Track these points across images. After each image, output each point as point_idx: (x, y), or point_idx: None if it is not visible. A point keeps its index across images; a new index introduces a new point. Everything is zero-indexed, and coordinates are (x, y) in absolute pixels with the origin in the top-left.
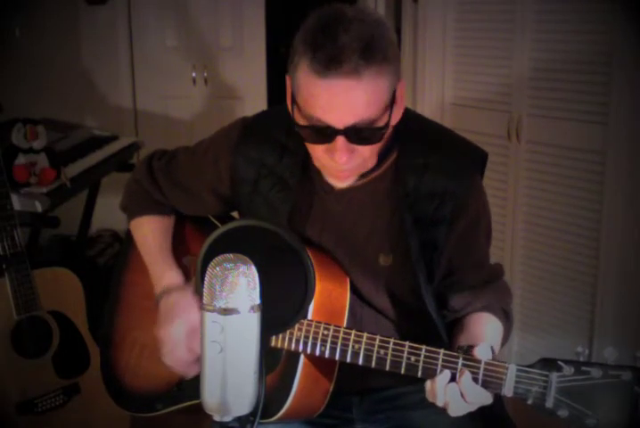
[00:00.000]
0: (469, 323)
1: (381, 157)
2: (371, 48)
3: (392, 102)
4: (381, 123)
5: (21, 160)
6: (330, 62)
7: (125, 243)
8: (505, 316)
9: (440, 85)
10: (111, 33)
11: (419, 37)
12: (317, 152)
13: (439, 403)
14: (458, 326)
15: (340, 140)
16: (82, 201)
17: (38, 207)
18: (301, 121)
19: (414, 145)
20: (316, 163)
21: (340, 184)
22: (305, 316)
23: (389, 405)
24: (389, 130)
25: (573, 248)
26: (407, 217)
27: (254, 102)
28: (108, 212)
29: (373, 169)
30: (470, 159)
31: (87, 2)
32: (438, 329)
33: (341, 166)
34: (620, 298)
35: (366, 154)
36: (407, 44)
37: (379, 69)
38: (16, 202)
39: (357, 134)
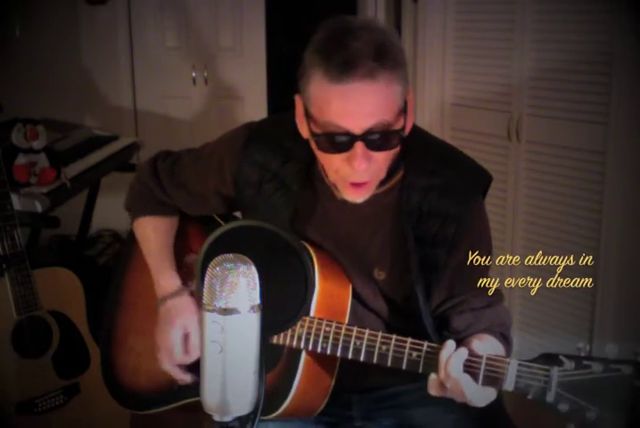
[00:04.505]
0: (470, 341)
1: (388, 174)
2: (383, 52)
3: (405, 108)
4: (397, 126)
5: (21, 160)
6: (344, 67)
7: (127, 243)
8: (505, 342)
9: (440, 85)
10: (111, 33)
11: (419, 37)
12: (335, 163)
13: (442, 375)
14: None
15: (359, 146)
16: (82, 201)
17: (38, 207)
18: (317, 130)
19: (421, 165)
20: (333, 176)
21: (356, 198)
22: (306, 314)
23: (390, 403)
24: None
25: (573, 248)
26: (410, 234)
27: (254, 102)
28: (108, 212)
29: (378, 185)
30: (474, 181)
31: (87, 2)
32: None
33: (360, 173)
34: (620, 297)
35: (381, 163)
36: (407, 44)
37: (392, 73)
38: (16, 202)
39: (375, 139)
